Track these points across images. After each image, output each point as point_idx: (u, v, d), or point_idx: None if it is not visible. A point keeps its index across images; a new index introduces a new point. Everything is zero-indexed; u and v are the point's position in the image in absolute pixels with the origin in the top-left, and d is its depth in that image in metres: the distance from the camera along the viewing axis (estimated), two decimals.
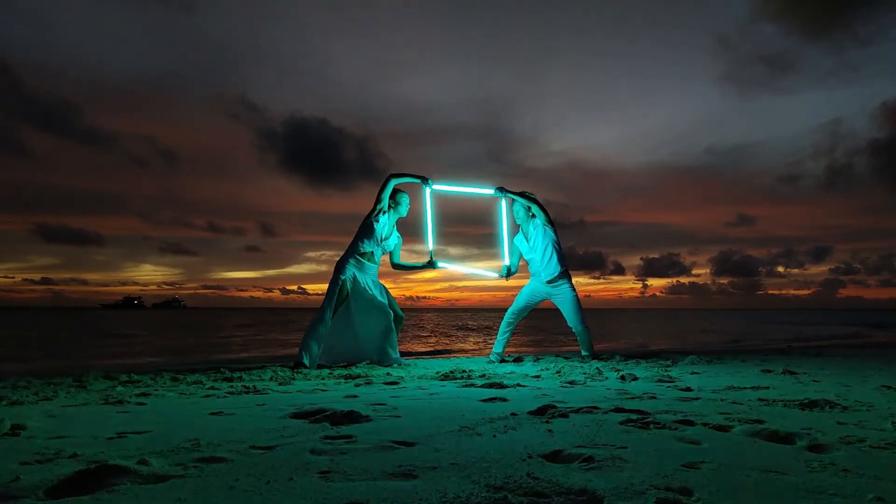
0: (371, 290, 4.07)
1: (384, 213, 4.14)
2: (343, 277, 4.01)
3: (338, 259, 4.14)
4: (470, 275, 4.91)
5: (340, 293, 4.01)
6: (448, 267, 4.59)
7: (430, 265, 4.42)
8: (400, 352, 4.29)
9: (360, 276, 4.04)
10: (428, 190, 4.29)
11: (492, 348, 4.59)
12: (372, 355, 4.03)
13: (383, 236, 4.15)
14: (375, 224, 4.09)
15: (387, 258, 4.37)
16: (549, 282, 4.44)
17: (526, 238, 4.52)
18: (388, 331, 4.07)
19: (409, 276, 4.61)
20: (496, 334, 4.61)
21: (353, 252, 4.09)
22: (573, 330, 4.49)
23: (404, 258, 4.45)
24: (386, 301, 4.13)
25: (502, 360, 4.33)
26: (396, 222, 4.32)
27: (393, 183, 4.15)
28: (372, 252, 4.13)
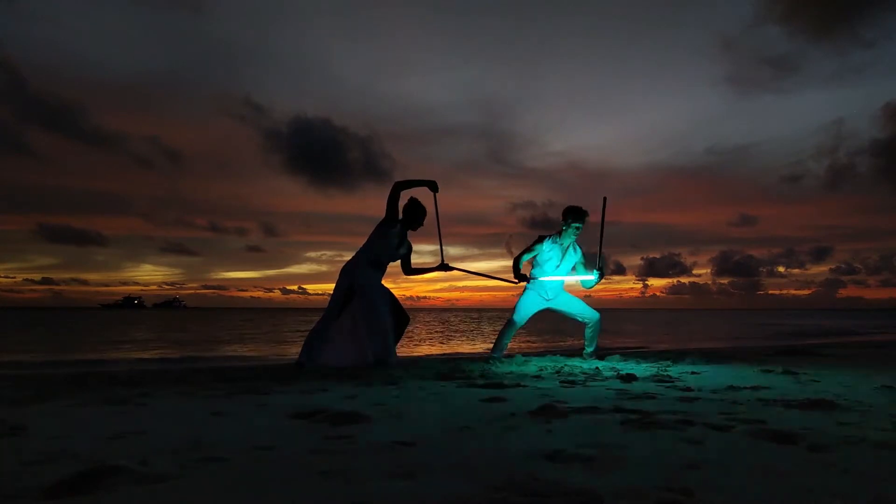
0: (375, 293, 4.07)
1: (397, 223, 4.13)
2: (349, 281, 4.02)
3: (344, 262, 4.16)
4: (482, 276, 4.86)
5: (345, 297, 4.02)
6: (460, 270, 4.55)
7: (442, 268, 4.41)
8: (400, 352, 4.29)
9: (365, 281, 4.04)
10: (435, 195, 4.24)
11: (490, 350, 4.59)
12: (374, 357, 4.04)
13: (394, 246, 4.15)
14: (387, 237, 4.10)
15: (397, 265, 4.36)
16: (553, 299, 4.47)
17: (563, 257, 4.44)
18: (391, 334, 4.08)
19: (414, 278, 4.55)
20: (495, 333, 4.61)
21: (361, 258, 4.11)
22: (588, 319, 4.48)
23: (413, 262, 4.44)
24: (389, 305, 4.13)
25: (499, 360, 4.33)
26: (408, 231, 4.29)
27: (400, 192, 4.11)
28: (380, 261, 4.13)
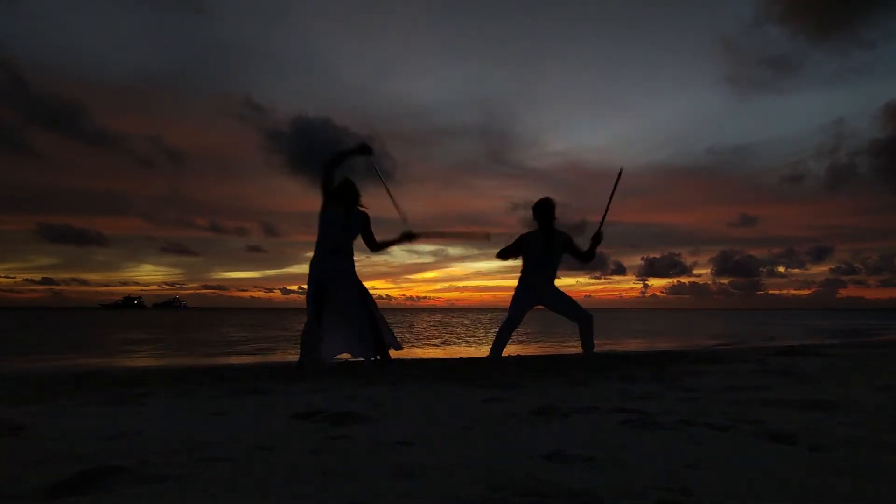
0: (345, 285, 3.92)
1: (336, 202, 3.91)
2: (315, 275, 3.89)
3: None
4: (452, 236, 4.65)
5: (317, 291, 3.90)
6: (425, 234, 4.31)
7: (407, 237, 4.14)
8: (400, 352, 4.25)
9: (331, 272, 3.90)
10: (372, 159, 3.94)
11: (489, 352, 4.58)
12: (359, 350, 3.95)
13: (341, 227, 3.92)
14: (330, 220, 3.89)
15: (364, 245, 4.11)
16: (544, 294, 4.45)
17: (549, 248, 4.41)
18: (370, 324, 3.95)
19: (381, 253, 4.23)
20: (495, 333, 4.58)
21: (318, 249, 3.94)
22: (579, 319, 4.45)
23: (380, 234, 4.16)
24: (359, 295, 3.96)
25: (498, 360, 4.33)
26: (358, 204, 4.03)
27: (332, 169, 3.86)
28: (336, 247, 3.92)
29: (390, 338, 4.06)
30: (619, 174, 4.43)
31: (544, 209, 4.39)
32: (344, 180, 3.97)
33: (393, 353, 4.10)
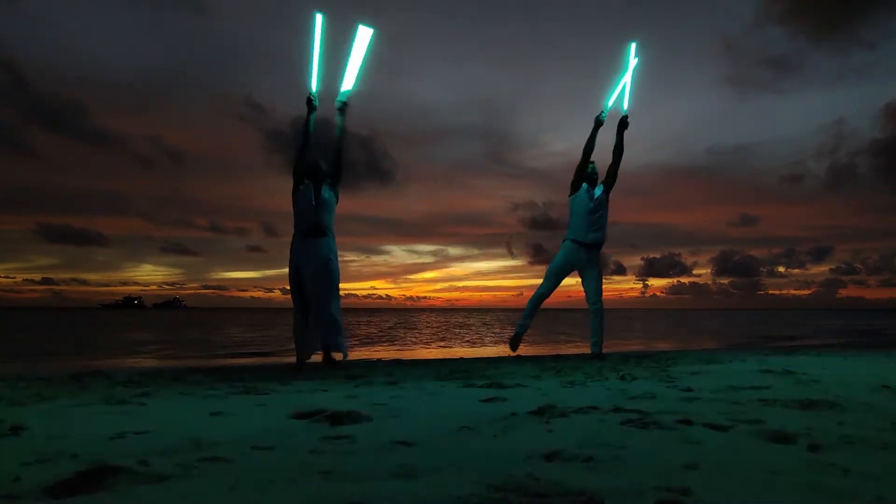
0: (318, 267, 3.88)
1: (303, 182, 3.96)
2: (293, 264, 3.89)
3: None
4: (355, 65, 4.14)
5: (295, 277, 3.89)
6: (351, 87, 4.14)
7: (341, 111, 4.10)
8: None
9: (309, 257, 3.87)
10: (319, 20, 3.91)
11: (510, 342, 4.55)
12: (324, 339, 3.89)
13: (311, 197, 3.92)
14: (301, 196, 3.92)
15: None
16: (596, 246, 4.43)
17: (590, 194, 4.42)
18: (336, 314, 3.92)
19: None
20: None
21: (294, 233, 3.95)
22: (594, 307, 4.46)
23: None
24: (336, 281, 3.94)
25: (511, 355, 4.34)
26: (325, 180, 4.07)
27: (302, 149, 3.92)
28: (314, 223, 3.90)
29: (343, 337, 4.00)
30: (634, 49, 4.49)
31: (594, 174, 4.43)
32: (311, 164, 4.02)
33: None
